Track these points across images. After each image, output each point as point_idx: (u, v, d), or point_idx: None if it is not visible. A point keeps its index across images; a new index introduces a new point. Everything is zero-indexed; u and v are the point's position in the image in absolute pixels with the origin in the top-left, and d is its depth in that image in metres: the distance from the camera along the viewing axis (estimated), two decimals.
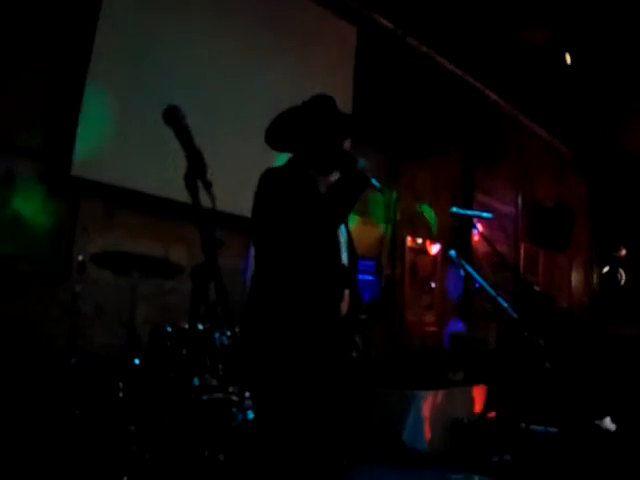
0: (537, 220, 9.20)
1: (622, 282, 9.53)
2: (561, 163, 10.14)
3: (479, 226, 5.02)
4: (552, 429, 5.03)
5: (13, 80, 3.86)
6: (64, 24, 4.08)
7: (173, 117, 1.78)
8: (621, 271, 9.54)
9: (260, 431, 2.45)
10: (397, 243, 6.62)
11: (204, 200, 1.74)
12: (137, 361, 3.48)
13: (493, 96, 8.12)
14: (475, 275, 4.20)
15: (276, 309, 2.39)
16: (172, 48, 4.53)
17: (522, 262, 8.85)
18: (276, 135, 2.70)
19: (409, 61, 6.71)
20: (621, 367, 6.07)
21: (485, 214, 4.76)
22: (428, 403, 5.40)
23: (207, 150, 1.79)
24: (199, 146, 1.77)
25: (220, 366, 3.67)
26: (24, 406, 3.47)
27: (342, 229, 2.63)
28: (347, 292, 2.56)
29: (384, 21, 6.52)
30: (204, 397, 3.46)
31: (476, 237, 7.28)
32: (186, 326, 3.66)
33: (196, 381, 3.53)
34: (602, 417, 5.25)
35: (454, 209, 4.73)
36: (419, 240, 6.96)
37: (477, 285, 4.17)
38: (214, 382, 3.62)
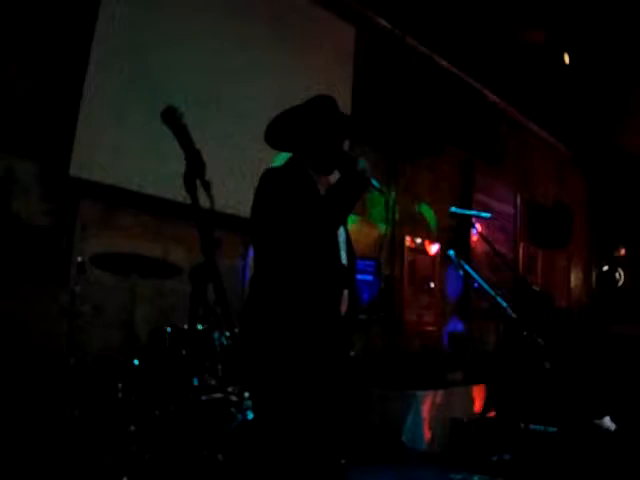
0: (536, 220, 9.20)
1: (620, 282, 9.53)
2: (560, 163, 10.15)
3: (478, 226, 5.02)
4: (551, 428, 5.03)
5: (12, 80, 3.86)
6: (63, 24, 4.08)
7: (172, 118, 1.78)
8: (620, 271, 9.55)
9: (259, 431, 2.45)
10: (396, 243, 6.62)
11: (203, 200, 1.74)
12: (136, 361, 3.48)
13: (492, 96, 8.13)
14: (474, 275, 4.21)
15: (275, 309, 2.39)
16: (171, 49, 4.53)
17: (521, 262, 8.85)
18: (276, 134, 2.70)
19: (408, 61, 6.71)
20: (620, 366, 6.07)
21: (484, 214, 4.77)
22: (427, 403, 5.40)
23: (206, 151, 1.79)
24: (198, 146, 1.77)
25: (219, 366, 3.68)
26: (23, 407, 3.47)
27: (341, 229, 2.63)
28: (346, 292, 2.56)
29: (383, 21, 6.52)
30: (203, 397, 3.47)
31: (475, 237, 7.28)
32: (185, 326, 3.67)
33: (195, 381, 3.53)
34: (601, 416, 5.25)
35: (453, 209, 4.75)
36: (418, 240, 6.96)
37: (476, 285, 4.17)
38: (213, 382, 3.62)
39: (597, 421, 5.22)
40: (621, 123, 8.71)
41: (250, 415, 3.39)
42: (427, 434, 5.30)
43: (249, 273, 2.61)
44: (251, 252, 2.63)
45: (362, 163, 2.49)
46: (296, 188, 2.45)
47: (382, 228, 6.09)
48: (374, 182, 2.53)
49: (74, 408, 3.28)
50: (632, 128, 8.72)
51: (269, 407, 2.38)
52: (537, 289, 7.46)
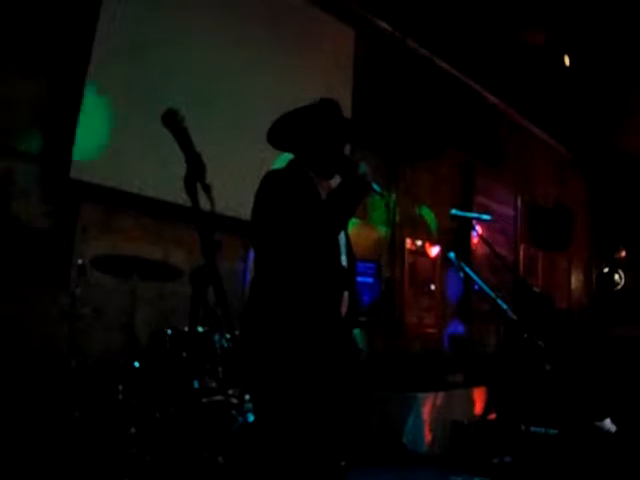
0: (537, 222, 9.20)
1: (621, 284, 9.53)
2: (560, 165, 10.15)
3: (478, 228, 5.02)
4: (552, 430, 5.03)
5: (12, 82, 3.86)
6: (63, 26, 4.08)
7: (172, 120, 1.78)
8: (620, 272, 9.54)
9: (260, 433, 2.45)
10: (396, 245, 6.63)
11: (203, 203, 1.74)
12: (137, 364, 3.48)
13: (492, 98, 8.13)
14: (474, 277, 4.21)
15: (276, 312, 2.39)
16: (172, 51, 4.54)
17: (522, 264, 8.85)
18: (279, 134, 2.70)
19: (408, 64, 6.72)
20: (621, 368, 6.07)
21: (484, 216, 4.77)
22: (428, 405, 5.40)
23: (206, 153, 1.79)
24: (198, 149, 1.77)
25: (220, 369, 3.68)
26: (24, 409, 3.47)
27: (341, 232, 2.63)
28: (346, 294, 2.56)
29: (383, 24, 6.53)
30: (204, 400, 3.47)
31: (475, 239, 7.28)
32: (186, 329, 3.67)
33: (196, 384, 3.54)
34: (602, 418, 5.25)
35: (453, 211, 4.74)
36: (418, 242, 6.96)
37: (476, 287, 4.17)
38: (214, 385, 3.62)
39: (598, 423, 5.22)
40: (621, 124, 8.71)
41: (251, 417, 3.39)
42: (428, 436, 5.30)
43: (250, 276, 2.61)
44: (252, 255, 2.63)
45: (363, 167, 2.49)
46: (297, 191, 2.45)
47: (383, 231, 6.10)
48: (375, 186, 2.53)
49: (75, 410, 3.28)
50: (632, 129, 8.72)
51: (270, 409, 2.38)
52: (537, 291, 7.47)
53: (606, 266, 9.69)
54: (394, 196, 6.44)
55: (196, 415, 3.35)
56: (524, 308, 5.77)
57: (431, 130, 6.78)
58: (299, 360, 2.35)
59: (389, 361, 5.89)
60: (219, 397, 3.56)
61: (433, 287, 7.16)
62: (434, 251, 7.13)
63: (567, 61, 6.88)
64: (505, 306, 4.03)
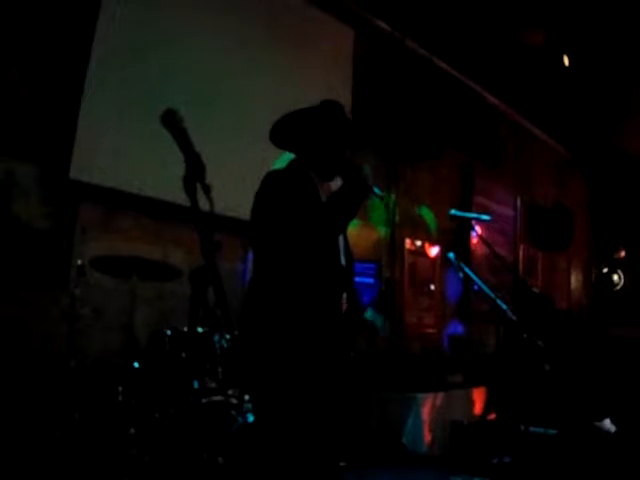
0: (536, 222, 9.21)
1: (620, 284, 9.53)
2: (560, 165, 10.15)
3: (478, 228, 5.03)
4: (552, 431, 5.03)
5: (12, 83, 3.86)
6: (63, 27, 4.09)
7: (171, 120, 1.78)
8: (620, 273, 9.54)
9: (259, 433, 2.45)
10: (396, 246, 6.63)
11: (203, 203, 1.74)
12: (136, 364, 3.48)
13: (491, 98, 8.14)
14: (474, 277, 4.21)
15: (275, 312, 2.39)
16: (171, 51, 4.54)
17: (521, 264, 8.85)
18: (282, 133, 2.68)
19: (407, 64, 6.72)
20: (620, 369, 6.07)
21: (484, 216, 4.77)
22: (428, 405, 5.40)
23: (205, 153, 1.79)
24: (197, 149, 1.77)
25: (219, 369, 3.68)
26: (23, 409, 3.47)
27: None
28: (344, 295, 2.56)
29: (382, 24, 6.53)
30: (203, 400, 3.47)
31: (475, 239, 7.28)
32: (185, 329, 3.67)
33: (195, 384, 3.54)
34: (602, 419, 5.25)
35: (453, 211, 4.75)
36: (418, 242, 6.96)
37: (476, 287, 4.17)
38: (213, 385, 3.62)
39: (597, 423, 5.22)
40: (621, 124, 8.71)
41: (250, 418, 3.39)
42: (427, 436, 5.30)
43: (249, 276, 2.61)
44: (251, 255, 2.62)
45: (366, 169, 2.49)
46: (298, 192, 2.44)
47: (382, 231, 6.10)
48: (376, 190, 2.53)
49: (74, 411, 3.28)
50: (632, 129, 8.72)
51: (269, 410, 2.38)
52: (537, 291, 7.46)
53: (605, 266, 9.69)
54: (394, 196, 6.45)
55: (196, 415, 3.35)
56: (524, 308, 5.76)
57: (431, 130, 6.78)
58: (298, 360, 2.34)
59: (389, 361, 5.89)
60: (219, 397, 3.56)
61: (433, 287, 7.16)
62: (434, 251, 7.13)
63: (566, 61, 6.88)
64: (505, 306, 4.03)
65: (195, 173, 1.74)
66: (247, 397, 3.47)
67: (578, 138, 9.54)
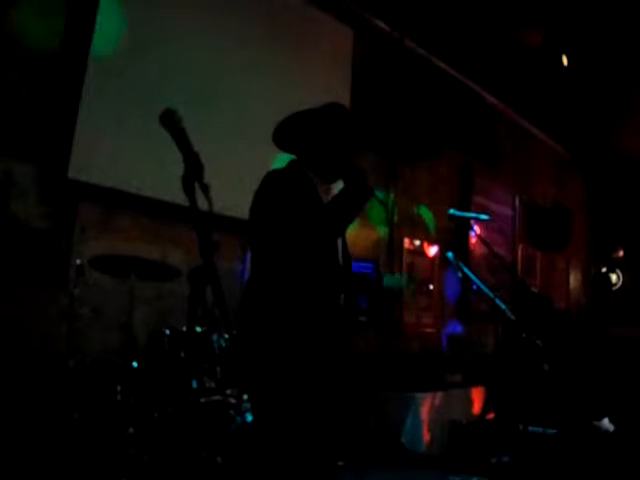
0: (535, 222, 9.21)
1: (618, 284, 9.53)
2: (559, 165, 10.16)
3: (477, 228, 5.03)
4: (550, 430, 5.03)
5: (11, 83, 3.86)
6: (61, 25, 4.08)
7: (170, 120, 1.78)
8: (618, 272, 9.55)
9: (257, 432, 2.45)
10: (395, 245, 6.62)
11: (201, 203, 1.74)
12: (135, 364, 3.48)
13: (490, 98, 8.14)
14: (473, 277, 4.21)
15: (273, 311, 2.39)
16: (170, 51, 4.54)
17: (520, 264, 8.86)
18: (286, 136, 2.66)
19: (406, 63, 6.72)
20: (619, 368, 6.08)
21: (482, 216, 4.77)
22: (426, 405, 5.40)
23: (204, 153, 1.79)
24: (196, 149, 1.77)
25: (218, 369, 3.68)
26: (22, 409, 3.47)
27: None
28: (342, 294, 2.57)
29: (381, 23, 6.53)
30: (202, 400, 3.47)
31: (474, 239, 7.28)
32: (184, 329, 3.67)
33: (194, 384, 3.54)
34: (600, 418, 5.26)
35: (452, 211, 4.74)
36: (417, 242, 6.96)
37: (475, 287, 4.18)
38: (212, 385, 3.62)
39: (596, 423, 5.23)
40: (619, 124, 8.72)
41: (249, 417, 3.39)
42: (426, 436, 5.30)
43: (247, 275, 2.61)
44: (249, 254, 2.62)
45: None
46: (297, 192, 2.44)
47: (381, 230, 6.10)
48: (377, 194, 2.54)
49: (73, 410, 3.28)
50: (630, 129, 8.73)
51: (268, 409, 2.38)
52: (536, 291, 7.47)
53: (604, 266, 9.70)
54: (392, 196, 6.45)
55: (194, 415, 3.35)
56: (522, 308, 5.77)
57: (429, 130, 6.78)
58: (296, 360, 2.35)
59: (387, 361, 5.89)
60: (217, 397, 3.56)
61: (431, 287, 7.16)
62: (432, 251, 7.13)
63: (565, 61, 6.88)
64: (503, 306, 4.03)
65: (194, 173, 1.74)
66: (246, 396, 3.48)
67: (577, 138, 9.54)
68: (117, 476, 3.11)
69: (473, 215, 5.57)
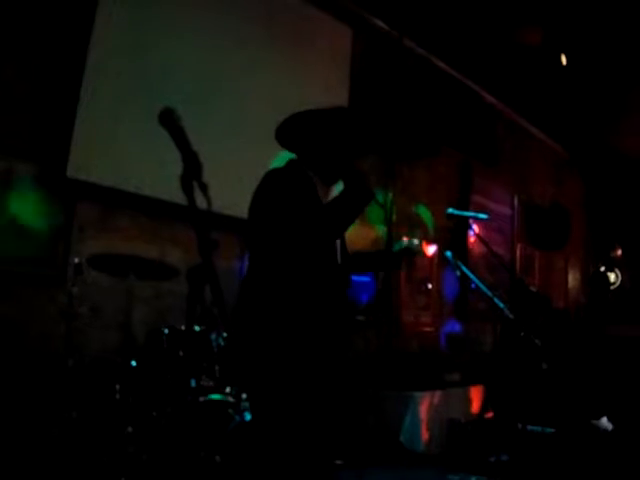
0: (533, 221, 9.22)
1: (617, 283, 9.54)
2: (557, 164, 10.16)
3: (475, 227, 5.03)
4: (549, 429, 5.04)
5: (10, 82, 3.86)
6: (61, 25, 4.08)
7: (169, 119, 1.78)
8: (617, 271, 9.56)
9: (256, 431, 2.45)
10: (393, 244, 6.61)
11: (200, 202, 1.74)
12: (134, 363, 3.48)
13: (489, 97, 8.14)
14: (471, 276, 4.22)
15: (271, 310, 2.39)
16: (168, 50, 4.53)
17: (518, 263, 8.87)
18: (289, 134, 2.65)
19: (405, 63, 6.72)
20: (617, 367, 6.08)
21: (481, 215, 4.77)
22: (425, 404, 5.41)
23: (203, 152, 1.79)
24: (195, 148, 1.77)
25: (217, 367, 3.68)
26: (21, 408, 3.47)
27: None
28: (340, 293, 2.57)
29: (380, 23, 6.53)
30: (201, 399, 3.46)
31: (472, 238, 7.28)
32: (182, 328, 3.67)
33: (193, 383, 3.53)
34: (599, 417, 5.26)
35: (450, 210, 4.74)
36: (415, 241, 6.95)
37: (473, 286, 4.18)
38: (211, 383, 3.62)
39: (594, 421, 5.23)
40: (618, 124, 8.72)
41: (248, 416, 3.39)
42: (425, 435, 5.31)
43: (244, 274, 2.61)
44: (247, 253, 2.62)
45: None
46: (297, 191, 2.43)
47: (379, 229, 6.09)
48: (378, 197, 2.54)
49: (72, 409, 3.27)
50: (629, 129, 8.74)
51: (266, 408, 2.38)
52: (534, 290, 7.48)
53: (602, 265, 9.70)
54: (391, 194, 6.44)
55: (193, 414, 3.35)
56: (521, 307, 5.78)
57: (428, 129, 6.78)
58: (294, 359, 2.34)
59: (386, 360, 5.89)
60: (216, 396, 3.56)
61: (430, 286, 7.16)
62: (431, 250, 7.12)
63: (564, 60, 6.88)
64: (502, 305, 4.04)
65: (192, 172, 1.73)
66: (244, 395, 3.48)
67: (575, 137, 9.55)
68: (116, 475, 3.11)
69: (472, 214, 5.56)
